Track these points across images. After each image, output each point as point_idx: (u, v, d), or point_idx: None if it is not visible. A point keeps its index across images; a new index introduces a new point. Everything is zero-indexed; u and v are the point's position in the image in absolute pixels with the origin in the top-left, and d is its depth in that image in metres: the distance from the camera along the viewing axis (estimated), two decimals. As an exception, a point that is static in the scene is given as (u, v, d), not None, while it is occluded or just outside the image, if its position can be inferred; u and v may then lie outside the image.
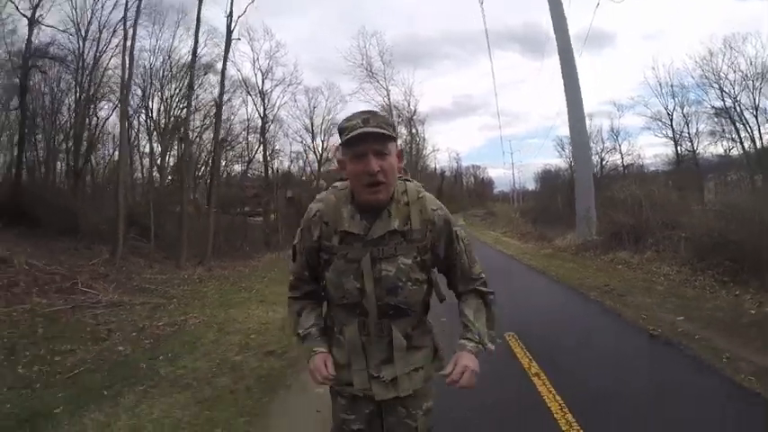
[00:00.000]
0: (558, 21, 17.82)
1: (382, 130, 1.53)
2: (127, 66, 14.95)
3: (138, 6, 15.81)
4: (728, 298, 6.67)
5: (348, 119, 1.60)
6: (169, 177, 22.47)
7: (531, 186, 54.39)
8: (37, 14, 16.35)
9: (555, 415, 3.44)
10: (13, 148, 17.30)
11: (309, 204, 1.79)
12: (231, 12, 18.84)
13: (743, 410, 3.41)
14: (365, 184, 1.55)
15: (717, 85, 28.92)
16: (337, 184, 1.78)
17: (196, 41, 17.92)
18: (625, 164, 41.08)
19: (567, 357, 4.78)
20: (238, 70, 22.58)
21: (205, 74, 22.01)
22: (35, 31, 16.37)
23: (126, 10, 15.86)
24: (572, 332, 5.98)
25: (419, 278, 1.66)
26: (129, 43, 15.11)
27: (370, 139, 1.52)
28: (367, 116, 1.56)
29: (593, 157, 41.20)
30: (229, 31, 18.89)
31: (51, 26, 17.03)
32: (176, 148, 22.14)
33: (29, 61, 16.06)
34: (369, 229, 1.61)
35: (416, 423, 1.79)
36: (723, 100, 28.83)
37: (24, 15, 16.07)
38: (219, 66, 20.87)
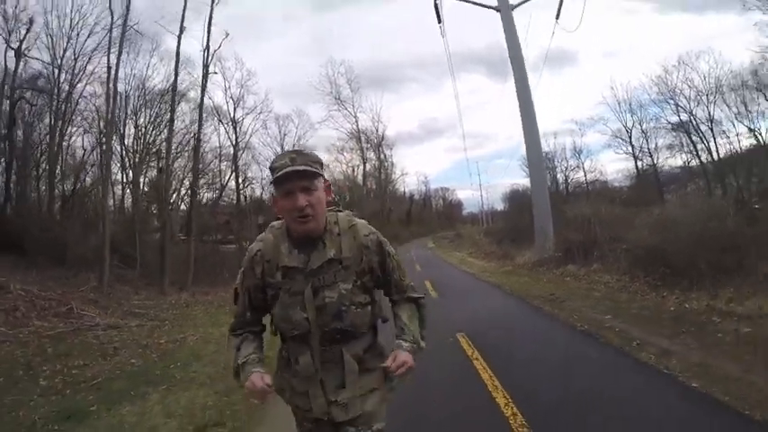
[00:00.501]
0: (514, 50, 18.62)
1: (308, 168, 1.65)
2: (110, 103, 15.66)
3: (121, 42, 16.43)
4: (656, 299, 7.77)
5: (277, 159, 1.73)
6: (144, 203, 22.75)
7: (500, 207, 55.09)
8: (23, 47, 17.05)
9: (486, 382, 4.66)
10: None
11: (249, 246, 1.93)
12: (208, 46, 19.50)
13: (640, 380, 4.46)
14: (295, 218, 1.68)
15: (672, 101, 30.27)
16: (274, 223, 1.90)
17: (176, 76, 18.53)
18: (588, 181, 43.09)
19: (502, 347, 6.08)
20: (210, 98, 23.25)
21: (178, 102, 21.57)
22: (20, 63, 17.08)
23: (110, 42, 16.53)
24: (510, 330, 7.32)
25: (362, 301, 1.80)
26: (110, 85, 15.84)
27: (296, 177, 1.64)
28: (293, 155, 1.70)
29: (558, 175, 42.99)
30: (206, 66, 19.57)
31: (37, 58, 17.60)
32: (147, 175, 22.52)
33: (15, 93, 16.62)
34: (307, 261, 1.73)
35: None
36: (678, 115, 30.02)
37: (11, 47, 16.69)
38: (192, 94, 21.85)
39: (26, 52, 17.07)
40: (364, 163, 46.92)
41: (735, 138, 27.37)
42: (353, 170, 47.84)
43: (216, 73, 21.69)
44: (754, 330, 5.30)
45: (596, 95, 76.76)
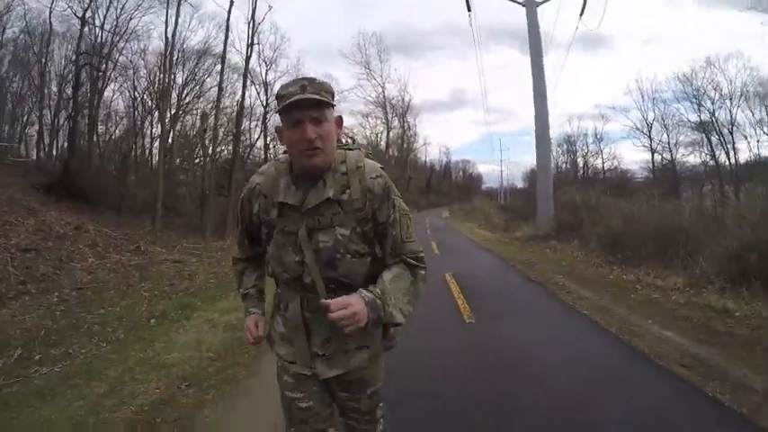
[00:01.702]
0: (535, 45, 19.54)
1: (319, 97, 1.54)
2: (167, 75, 18.03)
3: (177, 12, 18.68)
4: (605, 270, 10.11)
5: (285, 86, 1.59)
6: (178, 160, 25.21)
7: (520, 184, 56.19)
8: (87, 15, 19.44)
9: (457, 301, 7.43)
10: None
11: (252, 177, 1.81)
12: (253, 19, 21.89)
13: (556, 306, 7.28)
14: (301, 150, 1.56)
15: (696, 100, 32.28)
16: (279, 156, 1.82)
17: (225, 48, 20.81)
18: (606, 168, 44.83)
19: (473, 282, 9.00)
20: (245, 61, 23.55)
21: (214, 64, 23.93)
22: (85, 29, 19.43)
23: (167, 15, 18.61)
24: (483, 276, 10.20)
25: (359, 250, 1.67)
26: (167, 55, 18.18)
27: (306, 105, 1.53)
28: (304, 83, 1.56)
29: (578, 159, 44.83)
30: (250, 41, 21.88)
31: (99, 26, 20.04)
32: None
33: (80, 58, 18.99)
34: (304, 199, 1.62)
35: (360, 405, 1.89)
36: (699, 115, 32.07)
37: (76, 15, 19.13)
38: (230, 57, 23.78)
39: (88, 20, 19.48)
40: (388, 130, 49.10)
41: (755, 144, 29.45)
42: (377, 136, 50.04)
43: (258, 43, 23.54)
44: (659, 296, 7.61)
45: (627, 82, 77.08)
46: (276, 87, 29.12)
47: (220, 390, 4.06)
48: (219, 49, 22.43)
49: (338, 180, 1.65)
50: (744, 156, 31.32)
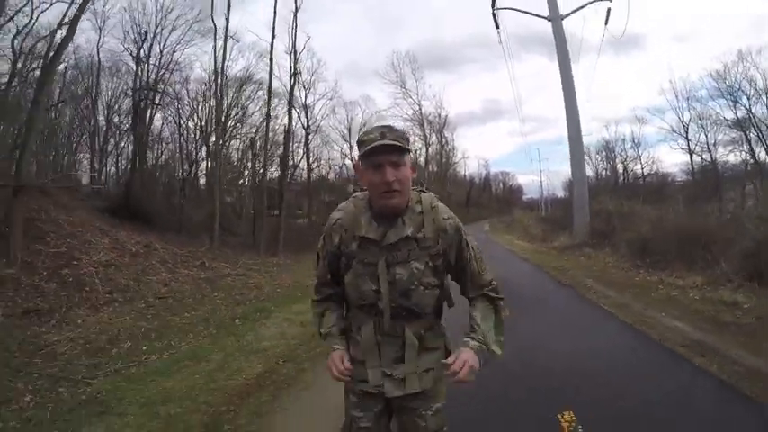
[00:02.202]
0: (563, 58, 19.91)
1: (398, 143, 1.70)
2: (219, 107, 19.57)
3: (224, 52, 20.30)
4: (632, 273, 10.97)
5: (367, 132, 1.78)
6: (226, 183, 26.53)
7: (561, 194, 54.13)
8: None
9: None
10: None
11: (331, 213, 1.99)
12: (294, 50, 23.40)
13: (577, 302, 8.47)
14: (382, 192, 1.72)
15: (730, 97, 31.34)
16: (357, 194, 1.97)
17: (270, 80, 22.25)
18: (645, 173, 44.64)
19: (511, 287, 9.26)
20: (284, 85, 24.88)
21: (255, 91, 25.83)
22: (141, 67, 21.28)
23: (214, 51, 20.29)
24: (520, 281, 11.13)
25: (431, 282, 1.84)
26: (218, 91, 19.88)
27: (386, 151, 1.69)
28: (384, 130, 1.73)
29: (618, 165, 44.79)
30: (293, 68, 23.36)
31: (153, 64, 21.76)
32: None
33: (137, 94, 20.79)
34: (384, 235, 1.78)
35: (426, 423, 1.95)
36: (735, 112, 31.30)
37: (131, 55, 21.11)
38: (274, 85, 24.59)
39: (143, 59, 21.35)
40: (427, 147, 50.15)
41: None
42: (416, 153, 51.20)
43: (300, 73, 24.87)
44: (678, 294, 8.47)
45: (661, 82, 76.71)
46: (316, 109, 30.09)
47: (313, 362, 5.27)
48: (259, 76, 24.41)
49: (415, 219, 1.81)
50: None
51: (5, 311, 7.50)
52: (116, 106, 22.98)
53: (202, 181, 25.46)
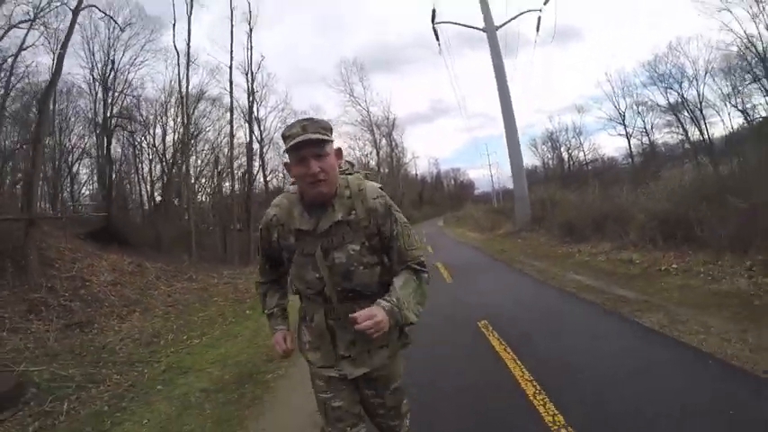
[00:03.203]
0: (499, 66, 21.97)
1: (320, 136, 1.81)
2: (185, 142, 21.24)
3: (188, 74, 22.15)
4: (557, 249, 13.54)
5: (289, 127, 1.87)
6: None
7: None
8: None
9: (443, 274, 11.09)
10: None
11: (266, 209, 2.09)
12: (251, 70, 25.68)
13: (505, 269, 10.51)
14: (308, 183, 1.83)
15: (662, 84, 35.21)
16: (289, 188, 2.08)
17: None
18: (588, 159, 48.11)
19: (457, 266, 12.54)
20: (236, 100, 26.66)
21: (213, 106, 27.35)
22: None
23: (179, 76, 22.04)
24: (466, 261, 14.14)
25: (370, 261, 1.97)
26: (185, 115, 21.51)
27: (308, 144, 1.79)
28: (305, 123, 1.84)
29: (563, 154, 47.87)
30: (251, 87, 25.59)
31: (121, 92, 23.40)
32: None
33: (109, 122, 22.30)
34: (317, 223, 1.91)
35: (384, 400, 2.15)
36: (667, 98, 34.92)
37: (103, 85, 22.55)
38: (225, 99, 26.75)
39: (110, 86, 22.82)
40: (377, 150, 52.52)
41: (727, 118, 31.67)
42: (367, 156, 53.38)
43: (256, 91, 26.87)
44: (589, 259, 10.96)
45: (600, 72, 79.98)
46: (269, 122, 30.87)
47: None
48: (210, 92, 26.37)
49: (344, 204, 1.93)
50: (719, 130, 33.65)
51: (50, 327, 9.30)
52: (67, 130, 23.66)
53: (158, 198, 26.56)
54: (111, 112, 22.32)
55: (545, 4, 22.63)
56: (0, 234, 11.15)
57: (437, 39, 25.12)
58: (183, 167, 23.15)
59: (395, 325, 1.88)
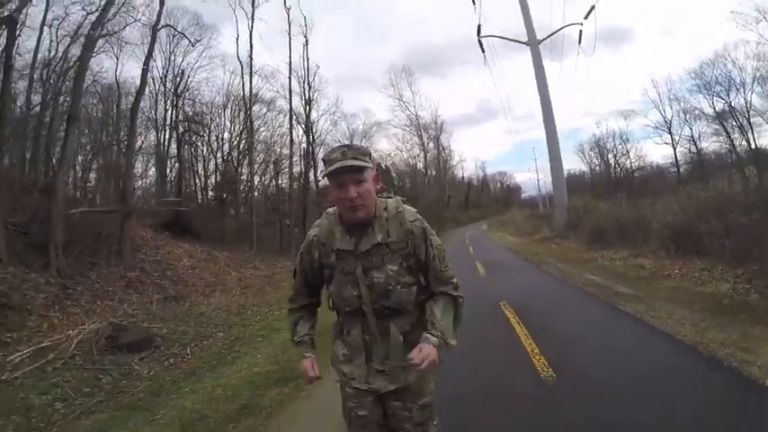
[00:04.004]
0: (541, 80, 23.14)
1: (358, 163, 1.89)
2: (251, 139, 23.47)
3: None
4: (584, 254, 15.20)
5: (329, 152, 1.97)
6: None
7: None
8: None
9: (480, 271, 13.24)
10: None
11: (308, 231, 2.21)
12: (308, 80, 27.73)
13: (533, 270, 12.55)
14: (347, 207, 1.94)
15: (708, 93, 34.43)
16: (329, 210, 2.18)
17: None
18: (634, 167, 48.12)
19: (492, 265, 14.57)
20: (287, 102, 28.30)
21: (268, 110, 29.26)
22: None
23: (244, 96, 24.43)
24: (501, 262, 16.29)
25: (407, 281, 2.07)
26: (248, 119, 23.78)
27: (347, 171, 1.87)
28: (344, 149, 1.93)
29: (610, 160, 48.13)
30: (308, 95, 27.69)
31: (190, 100, 25.99)
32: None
33: (178, 125, 24.82)
34: (357, 244, 2.01)
35: (412, 415, 2.17)
36: (713, 106, 34.21)
37: (175, 94, 24.96)
38: (279, 102, 28.99)
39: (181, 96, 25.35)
40: (425, 154, 54.06)
41: None
42: (414, 158, 55.04)
43: (314, 100, 28.89)
44: (607, 263, 12.66)
45: (649, 77, 78.05)
46: (320, 125, 32.61)
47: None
48: (266, 95, 28.35)
49: (383, 226, 2.03)
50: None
51: (150, 299, 11.47)
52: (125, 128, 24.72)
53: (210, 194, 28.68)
54: (176, 115, 24.78)
55: (585, 18, 23.87)
56: (98, 223, 13.15)
57: (482, 51, 26.36)
58: (246, 167, 25.47)
59: (441, 354, 1.99)
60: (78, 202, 15.32)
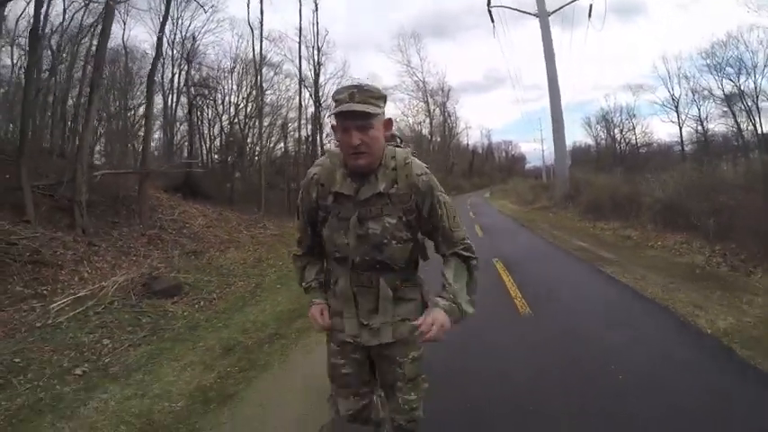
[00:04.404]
0: (549, 54, 23.39)
1: (365, 108, 1.77)
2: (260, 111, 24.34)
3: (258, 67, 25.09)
4: (579, 223, 16.21)
5: (339, 91, 1.85)
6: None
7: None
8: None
9: (478, 233, 14.73)
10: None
11: (309, 169, 2.11)
12: (317, 45, 28.30)
13: (528, 234, 14.11)
14: (349, 153, 1.84)
15: (718, 74, 34.65)
16: (333, 149, 2.09)
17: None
18: (639, 143, 48.39)
19: (491, 229, 16.12)
20: (296, 66, 28.95)
21: (275, 73, 29.60)
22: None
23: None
24: (499, 227, 17.82)
25: (403, 237, 1.97)
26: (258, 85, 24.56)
27: (353, 115, 1.77)
28: (354, 90, 1.80)
29: (616, 134, 48.83)
30: (317, 60, 28.41)
31: (201, 64, 26.54)
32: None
33: (190, 90, 25.53)
34: (358, 190, 1.91)
35: (403, 370, 2.13)
36: (722, 88, 34.47)
37: (186, 59, 25.47)
38: (286, 66, 30.34)
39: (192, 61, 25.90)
40: (431, 119, 54.70)
41: None
42: (420, 124, 55.66)
43: (322, 64, 29.48)
44: (599, 232, 13.66)
45: (661, 51, 78.62)
46: (327, 88, 31.66)
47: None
48: (273, 59, 28.83)
49: (388, 175, 1.92)
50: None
51: (171, 255, 12.46)
52: (131, 91, 25.14)
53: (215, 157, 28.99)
54: (187, 80, 25.18)
55: (597, -8, 23.91)
56: (115, 185, 13.90)
57: (492, 21, 26.40)
58: (256, 130, 26.18)
59: (455, 322, 1.89)
60: (94, 166, 16.03)
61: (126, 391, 4.57)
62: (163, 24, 18.56)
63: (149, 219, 14.07)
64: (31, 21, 12.84)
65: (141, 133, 24.34)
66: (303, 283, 2.28)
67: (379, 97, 1.86)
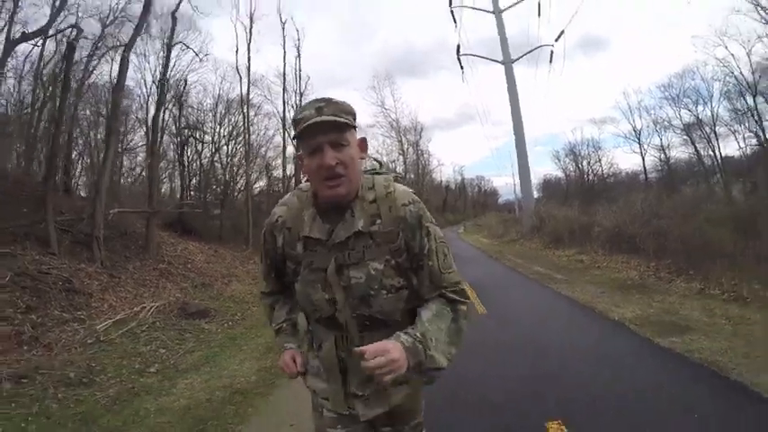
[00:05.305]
0: (514, 100, 25.58)
1: (338, 118, 1.48)
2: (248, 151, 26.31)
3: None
4: (541, 252, 18.57)
5: (301, 109, 1.54)
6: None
7: (536, 194, 58.01)
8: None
9: None
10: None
11: (273, 209, 1.76)
12: (300, 90, 30.39)
13: (493, 262, 16.58)
14: (323, 179, 1.50)
15: (676, 105, 36.46)
16: (302, 185, 1.75)
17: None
18: (605, 174, 50.02)
19: (462, 260, 17.64)
20: (273, 104, 30.79)
21: (255, 114, 30.33)
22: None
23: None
24: (469, 257, 19.87)
25: (395, 284, 1.61)
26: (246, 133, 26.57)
27: (324, 129, 1.47)
28: (321, 104, 1.50)
29: (584, 167, 50.71)
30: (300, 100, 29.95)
31: (191, 106, 28.16)
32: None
33: (181, 134, 27.19)
34: (332, 232, 1.57)
35: None
36: (680, 118, 36.23)
37: (178, 100, 26.85)
38: (266, 107, 31.23)
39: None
40: (405, 158, 56.53)
41: (741, 139, 32.07)
42: (394, 162, 56.80)
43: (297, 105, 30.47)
44: (556, 259, 15.93)
45: (623, 86, 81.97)
46: None
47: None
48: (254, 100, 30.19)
49: (367, 209, 1.59)
50: (733, 149, 34.91)
51: (182, 286, 14.32)
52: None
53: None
54: (179, 123, 26.76)
55: (556, 40, 27.34)
56: (123, 222, 15.53)
57: (461, 68, 29.13)
58: (237, 168, 28.15)
59: (416, 367, 1.50)
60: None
61: (204, 376, 6.25)
62: (164, 72, 20.32)
63: (157, 254, 15.63)
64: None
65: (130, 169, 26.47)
66: (273, 324, 1.97)
67: (350, 112, 1.58)
